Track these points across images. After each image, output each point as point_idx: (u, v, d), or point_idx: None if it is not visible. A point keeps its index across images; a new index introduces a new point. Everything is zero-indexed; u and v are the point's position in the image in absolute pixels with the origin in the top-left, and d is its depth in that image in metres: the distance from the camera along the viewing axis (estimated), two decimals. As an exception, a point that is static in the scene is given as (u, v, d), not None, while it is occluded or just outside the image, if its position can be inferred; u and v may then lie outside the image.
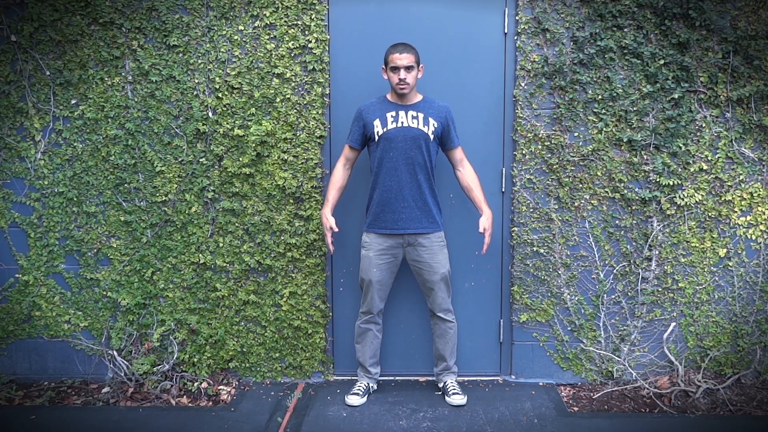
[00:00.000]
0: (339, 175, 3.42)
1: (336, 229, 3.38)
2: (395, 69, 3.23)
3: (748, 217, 3.59)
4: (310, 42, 3.50)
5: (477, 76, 3.59)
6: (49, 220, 3.65)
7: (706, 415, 3.35)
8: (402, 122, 3.30)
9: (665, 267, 3.62)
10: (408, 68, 3.23)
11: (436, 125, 3.31)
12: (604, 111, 3.51)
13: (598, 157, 3.56)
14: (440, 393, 3.57)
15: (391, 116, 3.30)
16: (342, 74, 3.60)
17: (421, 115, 3.31)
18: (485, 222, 3.39)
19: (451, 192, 3.64)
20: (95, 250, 3.69)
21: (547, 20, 3.46)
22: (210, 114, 3.57)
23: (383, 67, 3.32)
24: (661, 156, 3.53)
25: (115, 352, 3.70)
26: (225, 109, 3.55)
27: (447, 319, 3.47)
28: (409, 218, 3.33)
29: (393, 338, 3.76)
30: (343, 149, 3.43)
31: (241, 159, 3.57)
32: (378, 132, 3.30)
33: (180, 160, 3.60)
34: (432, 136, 3.31)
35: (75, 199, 3.64)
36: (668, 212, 3.57)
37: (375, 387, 3.62)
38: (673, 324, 3.65)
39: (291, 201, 3.62)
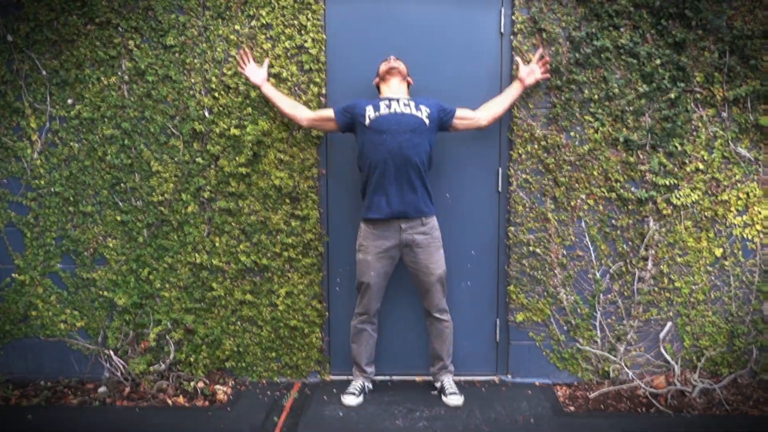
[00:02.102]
0: (295, 105, 3.45)
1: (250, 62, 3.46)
2: (387, 65, 3.36)
3: (744, 217, 3.59)
4: (307, 42, 3.50)
5: (473, 75, 3.59)
6: (46, 220, 3.65)
7: (702, 414, 3.35)
8: (395, 109, 3.28)
9: (661, 267, 3.62)
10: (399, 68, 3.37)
11: (429, 110, 3.31)
12: (600, 111, 3.51)
13: (594, 156, 3.56)
14: (437, 392, 3.57)
15: (385, 104, 3.30)
16: (338, 74, 3.60)
17: (412, 103, 3.32)
18: (525, 68, 3.45)
19: (448, 191, 3.64)
20: (91, 250, 3.69)
21: (543, 20, 3.46)
22: (206, 114, 3.57)
23: (376, 79, 3.44)
24: (658, 156, 3.53)
25: (111, 352, 3.70)
26: (221, 108, 3.55)
27: (443, 318, 3.49)
28: (403, 202, 3.28)
29: (389, 338, 3.76)
30: (322, 110, 3.45)
31: (237, 159, 3.57)
32: (370, 116, 3.28)
33: (176, 159, 3.60)
34: (428, 121, 3.29)
35: (71, 198, 3.64)
36: (664, 212, 3.57)
37: (371, 386, 3.62)
38: (670, 323, 3.65)
39: (287, 201, 3.62)
